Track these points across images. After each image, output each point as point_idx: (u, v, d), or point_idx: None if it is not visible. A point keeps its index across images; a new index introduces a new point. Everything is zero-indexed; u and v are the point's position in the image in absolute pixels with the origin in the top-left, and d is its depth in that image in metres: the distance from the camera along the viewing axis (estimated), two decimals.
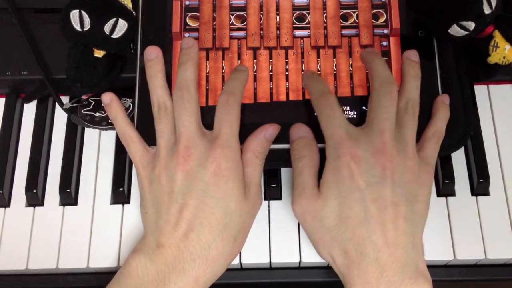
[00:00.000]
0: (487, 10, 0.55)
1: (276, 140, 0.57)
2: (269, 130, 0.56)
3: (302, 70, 0.59)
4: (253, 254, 0.58)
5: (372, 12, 0.60)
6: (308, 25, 0.60)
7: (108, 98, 0.58)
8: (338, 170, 0.52)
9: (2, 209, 0.61)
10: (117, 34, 0.58)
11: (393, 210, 0.51)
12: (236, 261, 0.58)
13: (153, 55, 0.57)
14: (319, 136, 0.55)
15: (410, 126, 0.54)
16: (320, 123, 0.55)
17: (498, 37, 0.57)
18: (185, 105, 0.54)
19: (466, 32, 0.56)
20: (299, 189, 0.54)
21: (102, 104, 0.59)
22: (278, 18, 0.60)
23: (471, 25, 0.55)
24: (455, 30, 0.56)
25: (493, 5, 0.55)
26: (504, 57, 0.57)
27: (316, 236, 0.54)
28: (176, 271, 0.51)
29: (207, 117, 0.56)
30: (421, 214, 0.53)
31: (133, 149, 0.56)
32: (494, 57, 0.58)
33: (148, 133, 0.57)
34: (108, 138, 0.64)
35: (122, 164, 0.62)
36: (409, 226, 0.51)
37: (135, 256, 0.52)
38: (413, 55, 0.58)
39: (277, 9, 0.61)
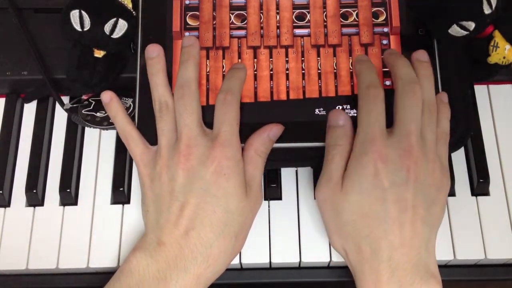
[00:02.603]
0: (487, 10, 0.55)
1: (277, 139, 0.57)
2: (273, 130, 0.56)
3: (303, 69, 0.59)
4: (253, 254, 0.58)
5: (372, 10, 0.60)
6: (308, 24, 0.60)
7: (107, 96, 0.58)
8: (363, 166, 0.52)
9: (2, 209, 0.61)
10: (117, 34, 0.58)
11: (412, 212, 0.50)
12: (236, 261, 0.58)
13: (154, 53, 0.57)
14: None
15: (430, 128, 0.54)
16: (358, 113, 0.54)
17: (498, 37, 0.57)
18: (186, 104, 0.54)
19: (466, 32, 0.56)
20: (326, 177, 0.54)
21: (102, 103, 0.59)
22: (278, 17, 0.60)
23: (471, 25, 0.56)
24: (455, 30, 0.56)
25: (493, 5, 0.55)
26: (504, 57, 0.57)
27: (332, 227, 0.54)
28: (178, 269, 0.51)
29: (208, 116, 0.56)
30: (437, 217, 0.53)
31: (133, 148, 0.56)
32: (494, 57, 0.58)
33: (149, 132, 0.56)
34: (108, 138, 0.64)
35: (122, 164, 0.62)
36: (426, 229, 0.51)
37: (136, 254, 0.52)
38: (422, 55, 0.57)
39: (277, 8, 0.61)
